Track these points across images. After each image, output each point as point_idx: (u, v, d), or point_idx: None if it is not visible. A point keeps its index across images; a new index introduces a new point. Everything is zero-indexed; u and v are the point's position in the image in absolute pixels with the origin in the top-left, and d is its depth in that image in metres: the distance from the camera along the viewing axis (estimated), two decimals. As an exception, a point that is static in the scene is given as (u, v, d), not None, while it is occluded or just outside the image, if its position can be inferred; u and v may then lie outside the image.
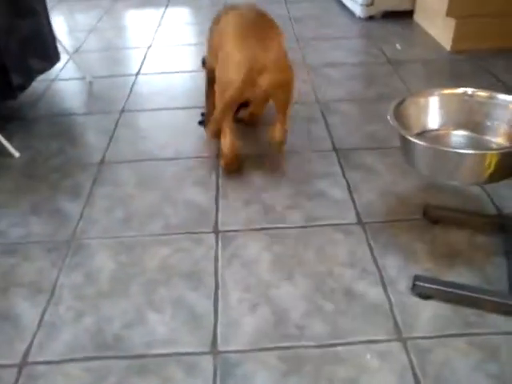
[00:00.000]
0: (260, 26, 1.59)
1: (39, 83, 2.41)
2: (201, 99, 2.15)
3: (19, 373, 1.12)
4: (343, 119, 2.04)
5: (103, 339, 1.19)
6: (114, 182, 1.73)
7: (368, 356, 1.12)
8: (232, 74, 1.53)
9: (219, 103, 1.61)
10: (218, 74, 1.63)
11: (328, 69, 2.49)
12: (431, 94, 1.34)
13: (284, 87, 1.61)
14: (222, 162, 1.73)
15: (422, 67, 2.46)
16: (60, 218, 1.58)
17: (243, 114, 2.02)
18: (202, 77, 2.47)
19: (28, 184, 1.75)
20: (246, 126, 1.99)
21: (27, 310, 1.27)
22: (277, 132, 1.72)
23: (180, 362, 1.13)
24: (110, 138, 1.99)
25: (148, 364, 1.13)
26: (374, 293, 1.27)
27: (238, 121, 1.91)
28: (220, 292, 1.29)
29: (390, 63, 2.52)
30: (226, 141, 1.68)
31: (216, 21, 1.81)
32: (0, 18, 1.89)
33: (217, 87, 1.63)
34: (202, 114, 2.05)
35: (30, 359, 1.15)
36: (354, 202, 1.58)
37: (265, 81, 1.54)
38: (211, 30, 1.85)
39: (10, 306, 1.28)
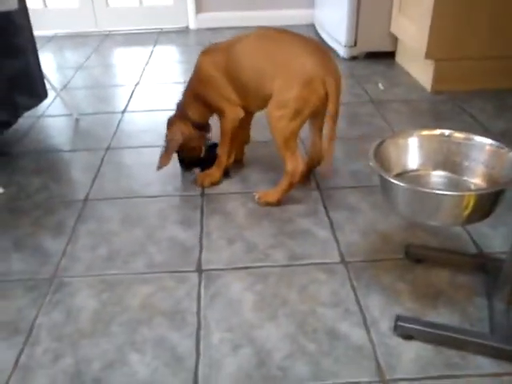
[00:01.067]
0: (294, 36, 1.63)
1: (26, 119, 2.42)
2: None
3: (-7, 418, 1.09)
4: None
5: (82, 382, 1.16)
6: (98, 219, 1.73)
7: (351, 398, 1.11)
8: (310, 85, 1.56)
9: (290, 125, 1.62)
10: (286, 95, 1.58)
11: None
12: (410, 135, 1.37)
13: (340, 91, 1.62)
14: (292, 180, 1.71)
15: (404, 107, 2.53)
16: (42, 255, 1.57)
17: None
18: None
19: (10, 219, 1.74)
20: (234, 163, 2.01)
21: (2, 352, 1.24)
22: (329, 147, 1.64)
23: (160, 406, 1.10)
24: (95, 175, 1.99)
25: (127, 408, 1.10)
26: (357, 333, 1.27)
27: (236, 161, 1.94)
28: (202, 332, 1.28)
29: (372, 102, 2.59)
30: (298, 157, 1.70)
31: (225, 49, 1.73)
32: (-12, 56, 1.92)
33: (284, 110, 1.59)
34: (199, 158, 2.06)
35: (6, 403, 1.12)
36: (337, 240, 1.59)
37: (332, 86, 1.56)
38: (220, 60, 1.73)
39: (-13, 347, 1.26)
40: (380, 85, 2.81)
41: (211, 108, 1.83)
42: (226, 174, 1.94)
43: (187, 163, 1.98)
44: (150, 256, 1.55)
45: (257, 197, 1.77)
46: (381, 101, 2.60)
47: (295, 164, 1.68)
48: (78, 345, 1.26)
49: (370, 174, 1.94)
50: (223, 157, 1.86)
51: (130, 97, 2.75)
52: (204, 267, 1.50)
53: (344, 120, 2.41)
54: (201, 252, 1.56)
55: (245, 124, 1.90)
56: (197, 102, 1.82)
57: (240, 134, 1.91)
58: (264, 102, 1.68)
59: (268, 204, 1.76)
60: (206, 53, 1.78)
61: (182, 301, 1.38)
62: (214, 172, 1.89)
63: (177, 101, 1.89)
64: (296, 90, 1.56)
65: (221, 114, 1.81)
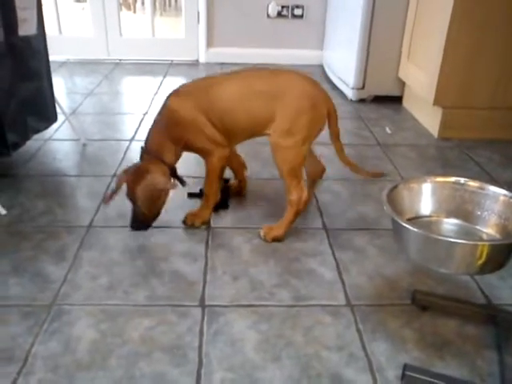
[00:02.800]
0: (278, 70, 1.71)
1: (33, 142, 2.42)
2: (194, 169, 2.17)
3: None
4: (334, 198, 2.06)
5: (76, 417, 1.12)
6: (101, 247, 1.70)
7: None
8: (317, 108, 1.65)
9: (301, 151, 1.68)
10: (295, 122, 1.62)
11: (320, 147, 2.54)
12: (424, 181, 1.37)
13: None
14: (298, 209, 1.73)
15: (411, 151, 2.54)
16: (42, 281, 1.53)
17: (231, 182, 2.04)
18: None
19: (12, 243, 1.71)
20: (233, 197, 2.00)
21: (-3, 380, 1.20)
22: (348, 159, 1.81)
23: None
24: (100, 202, 1.97)
25: None
26: (363, 380, 1.23)
27: (224, 192, 1.93)
28: (203, 370, 1.24)
29: (379, 145, 2.60)
30: (303, 185, 1.72)
31: (203, 91, 1.68)
32: (3, 80, 1.93)
33: (294, 137, 1.64)
34: (200, 190, 2.04)
35: None
36: (343, 282, 1.57)
37: (331, 106, 1.70)
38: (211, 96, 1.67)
39: (-20, 374, 1.21)
40: (387, 128, 2.83)
41: (194, 150, 1.74)
42: (225, 205, 1.93)
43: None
44: (152, 288, 1.52)
45: (262, 233, 1.76)
46: (388, 144, 2.62)
47: (300, 192, 1.69)
48: (75, 377, 1.21)
49: (378, 216, 1.93)
50: (211, 196, 1.81)
51: (139, 125, 2.76)
52: (207, 303, 1.46)
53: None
54: (204, 287, 1.53)
55: (231, 155, 1.84)
56: (173, 144, 1.68)
57: (231, 163, 1.95)
58: (253, 135, 1.73)
59: (275, 239, 1.74)
60: (180, 95, 1.69)
61: (184, 336, 1.34)
62: (203, 212, 1.83)
63: (142, 145, 1.72)
64: (306, 116, 1.61)
65: (206, 154, 1.73)
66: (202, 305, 1.46)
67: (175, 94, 1.71)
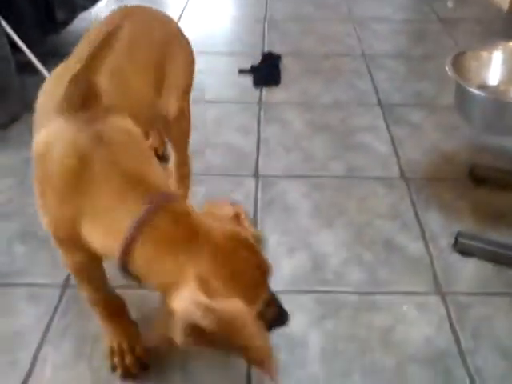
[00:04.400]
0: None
1: (81, 21, 2.38)
2: (243, 47, 2.11)
3: None
4: (389, 75, 1.98)
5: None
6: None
7: (405, 307, 1.12)
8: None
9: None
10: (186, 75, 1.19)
11: (375, 23, 2.41)
12: (496, 48, 1.28)
13: None
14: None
15: (476, 27, 2.36)
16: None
17: None
18: (245, 24, 2.42)
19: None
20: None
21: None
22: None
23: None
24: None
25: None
26: (415, 247, 1.25)
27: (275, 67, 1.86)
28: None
29: (440, 21, 2.43)
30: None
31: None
32: None
33: (188, 94, 1.23)
34: (251, 67, 2.00)
35: None
36: (397, 156, 1.55)
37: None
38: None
39: None
40: (449, 3, 2.62)
41: None
42: (276, 81, 1.88)
43: None
44: (206, 159, 1.54)
45: None
46: (449, 20, 2.44)
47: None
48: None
49: (435, 93, 1.85)
50: None
51: (185, 5, 2.66)
52: (261, 173, 1.49)
53: (409, 38, 2.28)
54: (258, 159, 1.54)
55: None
56: None
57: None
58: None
59: None
60: None
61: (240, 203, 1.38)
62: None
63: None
64: (193, 65, 1.23)
65: None
66: (256, 175, 1.48)
67: None
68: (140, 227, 0.71)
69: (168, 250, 0.71)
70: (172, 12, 2.56)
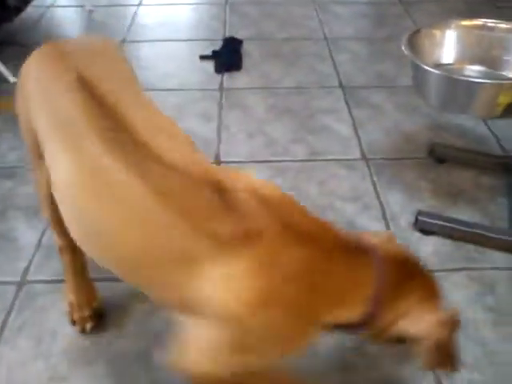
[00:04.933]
0: None
1: (35, 9, 2.32)
2: (204, 32, 2.08)
3: None
4: (351, 57, 1.98)
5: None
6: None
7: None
8: None
9: None
10: None
11: (337, 6, 2.40)
12: (448, 27, 1.28)
13: None
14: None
15: (436, 7, 2.37)
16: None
17: None
18: (206, 9, 2.39)
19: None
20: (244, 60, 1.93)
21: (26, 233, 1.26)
22: None
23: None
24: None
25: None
26: (376, 227, 1.26)
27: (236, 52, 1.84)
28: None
29: (401, 3, 2.43)
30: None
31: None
32: None
33: None
34: (213, 51, 1.98)
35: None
36: (358, 138, 1.55)
37: None
38: None
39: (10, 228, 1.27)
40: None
41: None
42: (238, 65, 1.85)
43: None
44: (167, 147, 1.52)
45: None
46: (410, 1, 2.45)
47: None
48: None
49: (396, 74, 1.86)
50: None
51: (145, -11, 2.60)
52: (223, 159, 1.47)
53: (370, 20, 2.28)
54: (219, 145, 1.53)
55: None
56: None
57: None
58: None
59: None
60: None
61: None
62: None
63: None
64: None
65: None
66: (218, 162, 1.47)
67: None
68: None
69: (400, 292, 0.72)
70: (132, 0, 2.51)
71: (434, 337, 0.71)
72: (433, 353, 0.72)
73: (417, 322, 0.71)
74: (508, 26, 1.25)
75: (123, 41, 2.11)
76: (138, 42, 2.11)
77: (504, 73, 1.25)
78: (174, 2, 2.46)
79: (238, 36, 2.09)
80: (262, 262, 0.65)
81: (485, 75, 1.26)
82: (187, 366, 0.70)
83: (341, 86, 1.80)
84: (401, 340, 0.73)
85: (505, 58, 1.26)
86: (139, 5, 2.44)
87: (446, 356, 0.74)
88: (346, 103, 1.70)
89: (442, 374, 0.96)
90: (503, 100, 1.10)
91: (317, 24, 2.22)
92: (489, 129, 1.58)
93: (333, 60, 1.96)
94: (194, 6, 2.42)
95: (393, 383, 0.96)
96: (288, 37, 2.10)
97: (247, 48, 2.02)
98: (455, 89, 1.13)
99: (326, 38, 2.10)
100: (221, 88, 1.79)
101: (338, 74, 1.87)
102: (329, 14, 2.32)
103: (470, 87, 1.09)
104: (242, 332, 0.66)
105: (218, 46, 2.02)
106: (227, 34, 2.12)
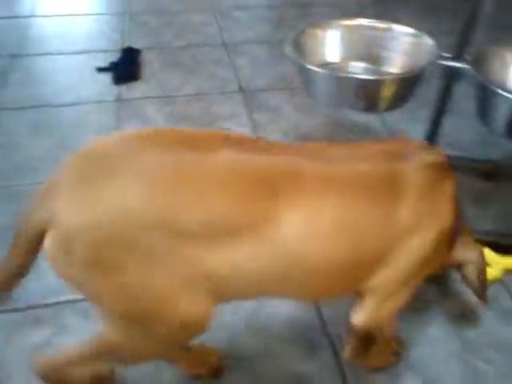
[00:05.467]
0: None
1: None
2: (102, 43, 2.03)
3: None
4: (251, 61, 2.00)
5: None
6: (5, 131, 1.60)
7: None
8: None
9: None
10: None
11: (237, 12, 2.42)
12: (330, 27, 1.32)
13: None
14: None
15: (330, 10, 2.45)
16: None
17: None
18: (105, 20, 2.33)
19: None
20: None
21: None
22: None
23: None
24: (1, 85, 1.82)
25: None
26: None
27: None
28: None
29: (299, 6, 2.49)
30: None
31: None
32: None
33: None
34: (110, 63, 1.92)
35: None
36: (259, 141, 1.56)
37: None
38: None
39: None
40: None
41: None
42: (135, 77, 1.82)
43: None
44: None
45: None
46: (308, 4, 2.51)
47: None
48: None
49: (296, 75, 1.89)
50: None
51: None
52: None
53: (270, 24, 2.32)
54: (118, 158, 1.48)
55: None
56: None
57: None
58: None
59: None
60: None
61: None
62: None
63: None
64: None
65: None
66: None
67: None
68: None
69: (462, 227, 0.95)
70: (23, 10, 2.40)
71: (480, 263, 0.94)
72: (477, 277, 0.94)
73: (471, 250, 0.93)
74: (384, 26, 1.31)
75: (14, 55, 2.01)
76: (32, 55, 2.02)
77: (384, 67, 1.31)
78: (70, 13, 2.37)
79: (137, 46, 2.06)
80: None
81: (366, 71, 1.31)
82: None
83: (241, 90, 1.81)
84: (459, 265, 0.95)
85: (384, 54, 1.31)
86: (31, 16, 2.34)
87: (482, 284, 0.95)
88: (246, 107, 1.72)
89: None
90: (387, 93, 1.15)
91: (216, 30, 2.22)
92: (382, 121, 1.65)
93: (233, 65, 1.97)
94: (93, 16, 2.35)
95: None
96: (187, 44, 2.09)
97: (146, 57, 1.99)
98: (340, 86, 1.16)
99: (224, 44, 2.11)
100: (118, 99, 1.74)
101: (238, 78, 1.88)
102: (229, 19, 2.33)
103: (355, 83, 1.13)
104: (432, 249, 0.78)
105: (116, 57, 1.97)
106: (125, 45, 2.07)
